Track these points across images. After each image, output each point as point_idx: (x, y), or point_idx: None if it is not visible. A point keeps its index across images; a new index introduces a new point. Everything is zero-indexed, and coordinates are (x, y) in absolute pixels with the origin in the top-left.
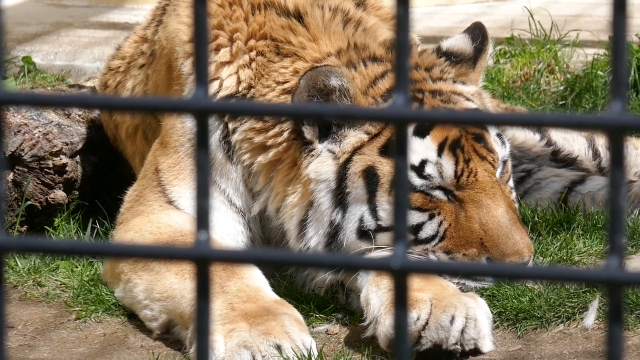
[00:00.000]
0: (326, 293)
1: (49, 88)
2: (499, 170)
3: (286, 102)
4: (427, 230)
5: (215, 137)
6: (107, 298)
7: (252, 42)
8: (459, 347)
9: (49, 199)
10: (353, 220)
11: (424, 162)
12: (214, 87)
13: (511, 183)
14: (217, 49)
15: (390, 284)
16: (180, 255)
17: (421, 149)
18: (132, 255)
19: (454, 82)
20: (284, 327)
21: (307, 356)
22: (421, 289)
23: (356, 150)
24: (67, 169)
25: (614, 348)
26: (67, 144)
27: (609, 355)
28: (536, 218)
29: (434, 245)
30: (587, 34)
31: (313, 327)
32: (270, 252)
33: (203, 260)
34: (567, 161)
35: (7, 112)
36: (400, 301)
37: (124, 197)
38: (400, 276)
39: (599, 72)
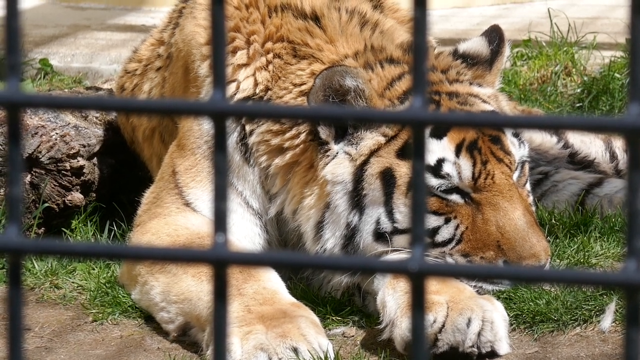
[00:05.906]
0: (342, 295)
1: (66, 90)
2: (516, 173)
3: (303, 104)
4: (444, 234)
5: (232, 140)
6: (124, 300)
7: (269, 45)
8: (476, 350)
9: (66, 201)
10: (370, 222)
11: (441, 161)
12: (231, 89)
13: (528, 186)
14: (234, 52)
15: (406, 286)
16: (198, 258)
17: (438, 149)
18: (150, 257)
19: (471, 84)
20: (300, 329)
21: (323, 359)
22: (438, 291)
23: (373, 152)
24: (84, 171)
25: (631, 351)
26: (84, 146)
27: (626, 358)
28: (553, 221)
29: (451, 249)
30: (605, 37)
31: (329, 330)
32: (287, 255)
33: (220, 262)
34: (584, 163)
35: (25, 114)
36: (418, 304)
37: (141, 199)
38: (417, 279)
39: (616, 75)
